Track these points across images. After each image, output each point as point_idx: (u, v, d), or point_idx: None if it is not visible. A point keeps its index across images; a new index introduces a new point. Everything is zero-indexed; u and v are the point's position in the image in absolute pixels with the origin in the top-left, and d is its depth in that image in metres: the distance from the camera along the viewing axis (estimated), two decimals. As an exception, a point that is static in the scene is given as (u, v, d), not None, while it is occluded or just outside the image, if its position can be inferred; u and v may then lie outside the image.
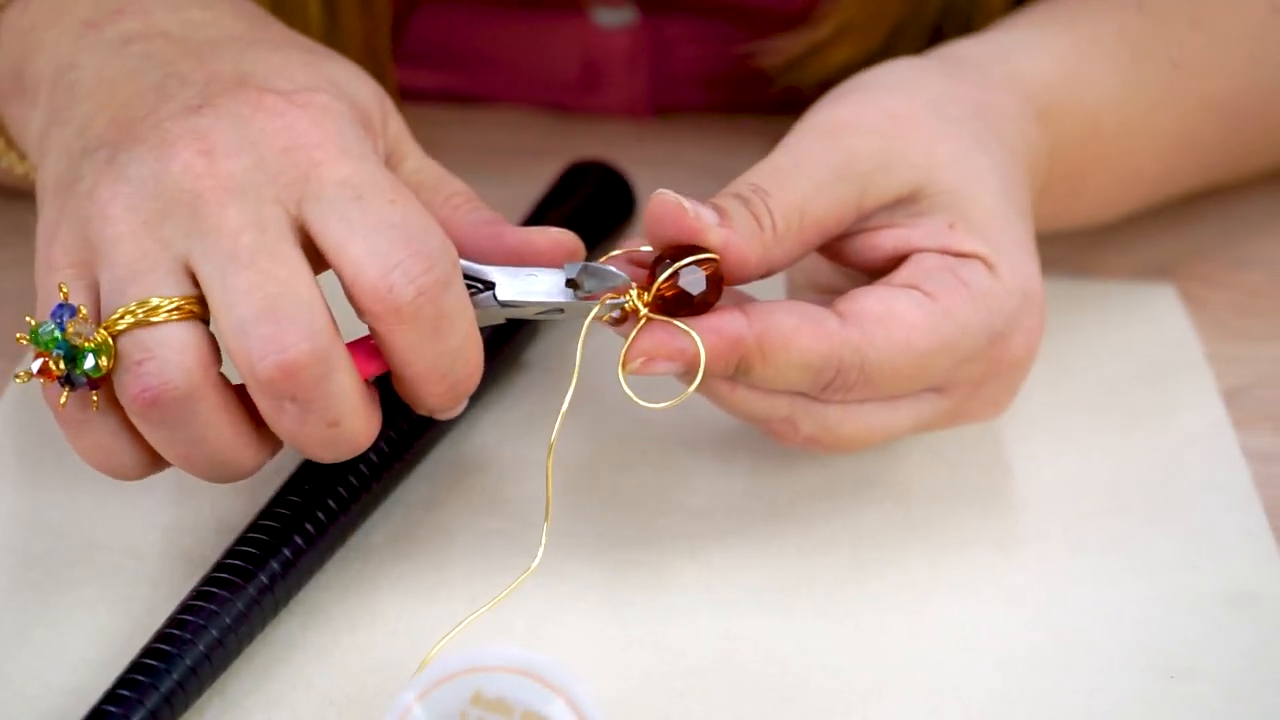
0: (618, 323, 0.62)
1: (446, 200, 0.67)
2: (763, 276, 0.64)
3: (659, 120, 0.92)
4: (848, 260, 0.67)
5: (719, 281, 0.62)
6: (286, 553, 0.63)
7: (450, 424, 0.71)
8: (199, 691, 0.60)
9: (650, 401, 0.62)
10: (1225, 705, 0.63)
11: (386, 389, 0.64)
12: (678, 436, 0.73)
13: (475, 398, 0.72)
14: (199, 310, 0.59)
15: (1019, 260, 0.65)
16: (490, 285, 0.63)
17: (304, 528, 0.64)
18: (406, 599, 0.66)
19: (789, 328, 0.62)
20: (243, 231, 0.59)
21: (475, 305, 0.62)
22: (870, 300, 0.63)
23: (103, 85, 0.63)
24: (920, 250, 0.65)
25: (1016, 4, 0.82)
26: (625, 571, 0.67)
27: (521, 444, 0.72)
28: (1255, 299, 0.82)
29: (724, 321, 0.62)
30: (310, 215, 0.60)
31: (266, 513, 0.65)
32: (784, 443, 0.66)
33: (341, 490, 0.66)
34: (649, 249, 0.63)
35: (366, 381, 0.62)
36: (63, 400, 0.60)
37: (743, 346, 0.62)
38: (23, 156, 0.69)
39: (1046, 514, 0.70)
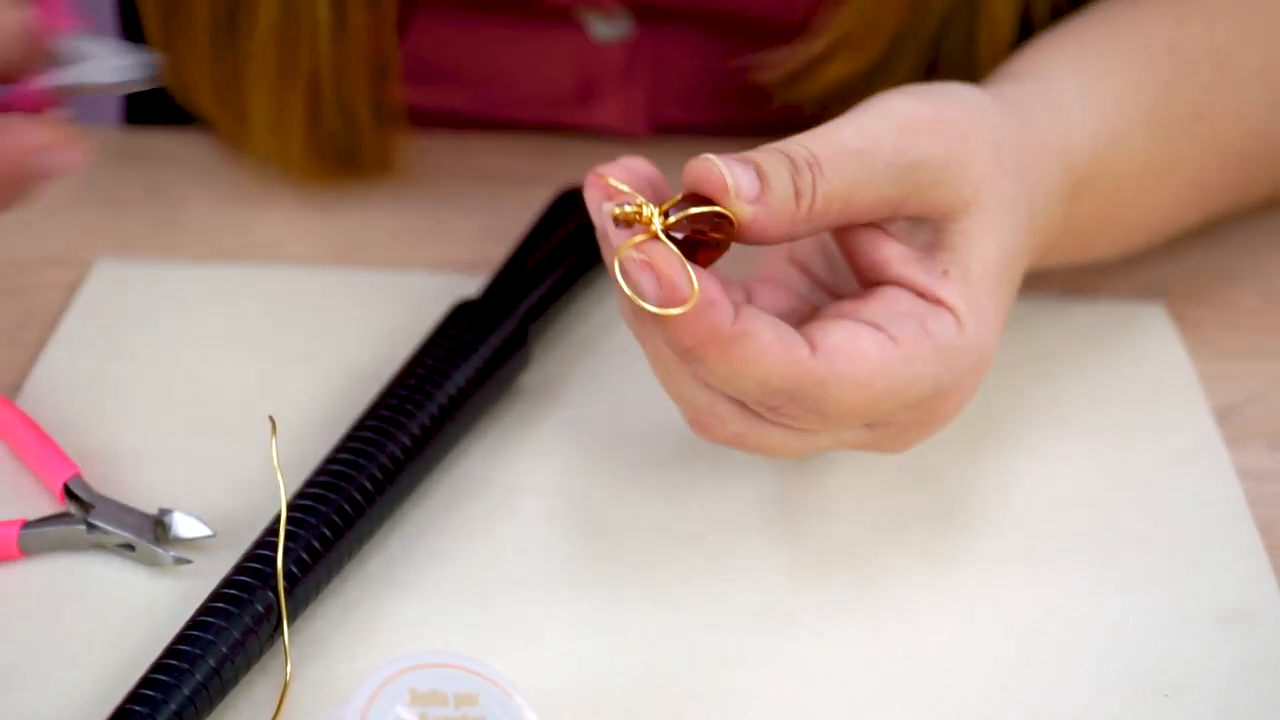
0: (624, 224, 0.61)
1: None
2: (783, 241, 0.64)
3: (653, 142, 0.93)
4: (840, 241, 0.67)
5: (726, 245, 0.62)
6: (283, 580, 0.64)
7: (445, 450, 0.72)
8: (196, 721, 0.61)
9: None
10: (1219, 723, 0.63)
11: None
12: (669, 462, 0.73)
13: (468, 424, 0.73)
14: None
15: (988, 324, 0.66)
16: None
17: (300, 556, 0.65)
18: (400, 628, 0.66)
19: (764, 342, 0.62)
20: None
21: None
22: (840, 336, 0.63)
23: None
24: (900, 283, 0.65)
25: (1023, 18, 0.82)
26: (618, 595, 0.67)
27: (514, 471, 0.73)
28: (1245, 318, 0.82)
29: (715, 301, 0.61)
30: None
31: (261, 542, 0.65)
32: (705, 435, 0.66)
33: (336, 518, 0.66)
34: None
35: None
36: None
37: (717, 336, 0.61)
38: None
39: (1039, 532, 0.70)
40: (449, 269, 0.82)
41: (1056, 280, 0.82)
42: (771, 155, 0.63)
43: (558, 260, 0.79)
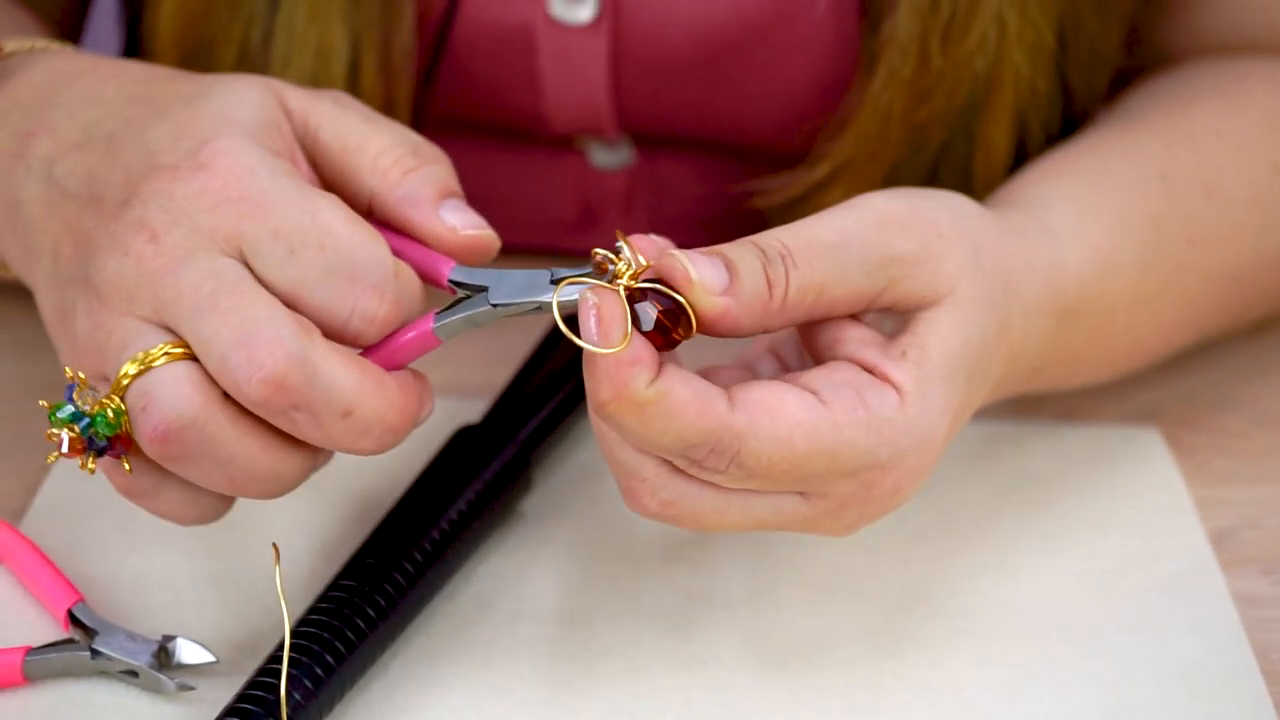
0: (598, 270, 0.63)
1: (374, 165, 0.69)
2: (760, 332, 0.64)
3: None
4: (805, 332, 0.67)
5: (675, 339, 0.62)
6: (286, 708, 0.64)
7: (447, 575, 0.72)
8: None
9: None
10: None
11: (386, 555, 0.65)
12: (670, 588, 0.73)
13: (469, 549, 0.73)
14: (191, 352, 0.63)
15: (934, 412, 0.65)
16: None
17: (303, 683, 0.65)
18: (404, 755, 0.66)
19: (678, 398, 0.62)
20: (201, 284, 0.63)
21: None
22: (762, 392, 0.63)
23: (52, 213, 0.68)
24: (852, 360, 0.65)
25: (1018, 145, 0.83)
26: (620, 723, 0.68)
27: (515, 596, 0.73)
28: (1240, 442, 0.83)
29: (639, 361, 0.61)
30: (256, 269, 0.64)
31: (264, 669, 0.66)
32: (635, 503, 0.65)
33: (339, 645, 0.66)
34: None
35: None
36: (90, 466, 0.64)
37: (631, 395, 0.61)
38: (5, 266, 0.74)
39: (1036, 658, 0.71)
40: (450, 394, 0.83)
41: (1051, 405, 0.83)
42: (742, 247, 0.64)
43: (559, 385, 0.80)
